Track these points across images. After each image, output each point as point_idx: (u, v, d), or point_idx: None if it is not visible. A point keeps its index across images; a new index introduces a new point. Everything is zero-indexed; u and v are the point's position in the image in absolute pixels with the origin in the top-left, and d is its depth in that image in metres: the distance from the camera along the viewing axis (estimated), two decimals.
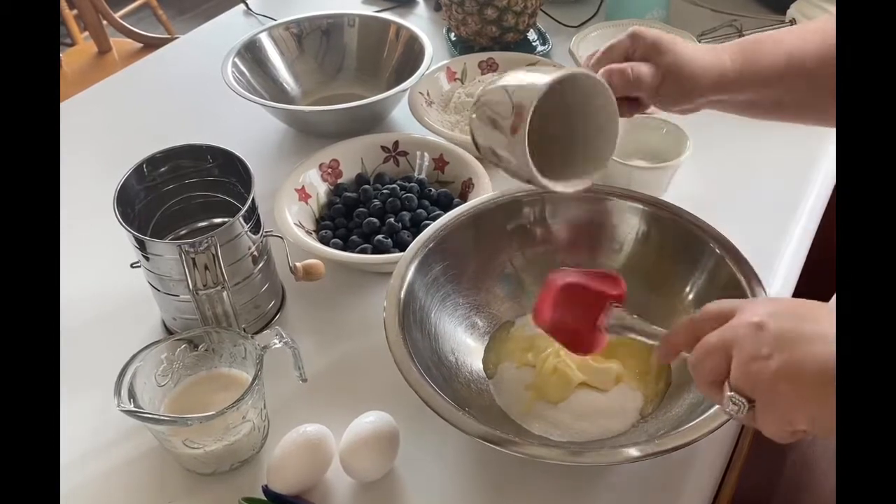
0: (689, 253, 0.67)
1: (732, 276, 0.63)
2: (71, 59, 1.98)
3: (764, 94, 0.61)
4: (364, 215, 0.79)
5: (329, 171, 0.84)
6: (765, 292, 0.62)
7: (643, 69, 0.58)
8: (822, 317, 0.44)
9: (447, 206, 0.79)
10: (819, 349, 0.42)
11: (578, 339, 0.58)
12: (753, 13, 1.12)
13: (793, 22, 1.00)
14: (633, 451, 0.53)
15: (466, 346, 0.67)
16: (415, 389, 0.57)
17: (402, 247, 0.73)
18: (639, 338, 0.56)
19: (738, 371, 0.44)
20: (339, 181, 0.85)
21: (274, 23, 1.03)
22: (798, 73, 0.60)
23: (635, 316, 0.56)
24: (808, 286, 0.85)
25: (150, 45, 1.96)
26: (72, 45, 2.08)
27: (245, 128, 0.98)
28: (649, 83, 0.58)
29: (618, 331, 0.57)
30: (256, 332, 0.63)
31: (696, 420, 0.54)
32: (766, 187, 0.86)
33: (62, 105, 1.07)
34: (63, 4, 2.02)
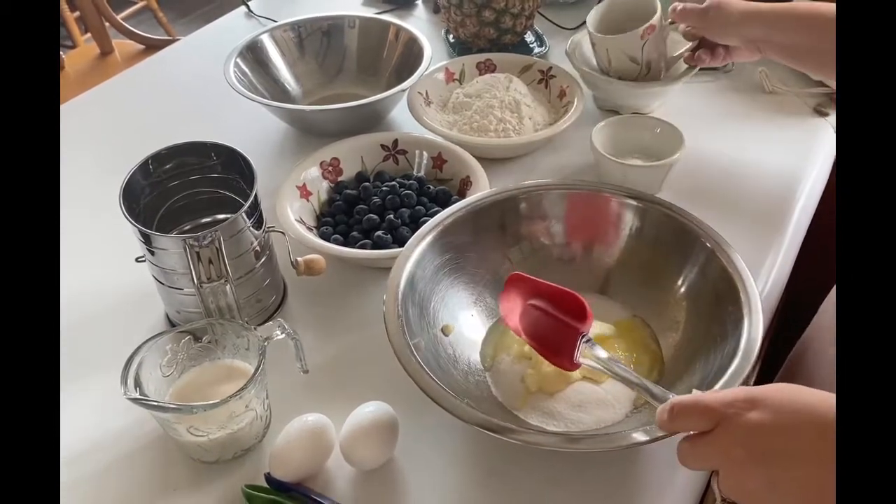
0: (680, 248, 0.69)
1: (723, 269, 0.65)
2: (73, 61, 2.00)
3: (794, 38, 0.78)
4: (364, 212, 0.80)
5: (330, 169, 0.86)
6: (755, 285, 0.63)
7: None
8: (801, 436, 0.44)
9: (445, 202, 0.81)
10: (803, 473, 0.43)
11: (555, 361, 0.62)
12: None
13: None
14: (629, 438, 0.54)
15: (464, 338, 0.69)
16: (414, 379, 0.58)
17: (401, 243, 0.75)
18: (605, 372, 0.59)
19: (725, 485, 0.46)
20: (340, 179, 0.86)
21: (275, 24, 1.05)
22: (822, 23, 0.74)
23: (605, 355, 0.59)
24: (802, 280, 0.87)
25: (152, 46, 1.98)
26: (73, 47, 2.09)
27: (247, 127, 0.99)
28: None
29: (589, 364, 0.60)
30: (259, 325, 0.65)
31: None
32: (761, 184, 0.88)
33: (66, 106, 1.08)
34: (64, 7, 2.04)
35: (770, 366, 0.85)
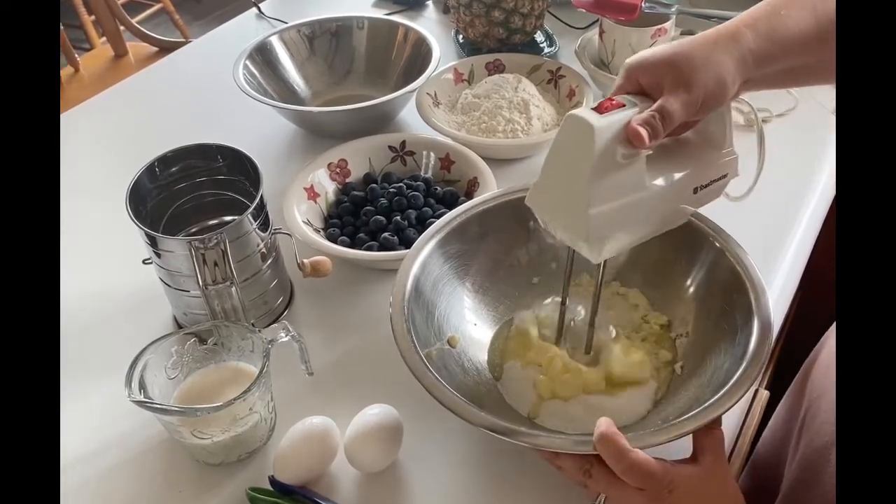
0: (689, 247, 0.68)
1: (732, 268, 0.64)
2: (88, 63, 2.02)
3: (796, 61, 0.55)
4: (371, 213, 0.80)
5: (337, 170, 0.86)
6: (764, 286, 0.62)
7: (670, 106, 0.51)
8: None
9: (452, 204, 0.80)
10: None
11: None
12: None
13: None
14: (641, 440, 0.53)
15: (471, 339, 0.68)
16: (418, 379, 0.57)
17: (407, 244, 0.74)
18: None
19: None
20: (347, 180, 0.86)
21: (285, 26, 1.05)
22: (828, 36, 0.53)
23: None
24: (810, 280, 0.86)
25: (165, 48, 2.00)
26: (89, 49, 2.11)
27: (256, 128, 0.99)
28: (682, 114, 0.52)
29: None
30: (265, 327, 0.65)
31: (708, 403, 0.55)
32: (771, 186, 0.86)
33: (79, 108, 1.09)
34: (81, 10, 2.06)
35: (784, 366, 0.84)
